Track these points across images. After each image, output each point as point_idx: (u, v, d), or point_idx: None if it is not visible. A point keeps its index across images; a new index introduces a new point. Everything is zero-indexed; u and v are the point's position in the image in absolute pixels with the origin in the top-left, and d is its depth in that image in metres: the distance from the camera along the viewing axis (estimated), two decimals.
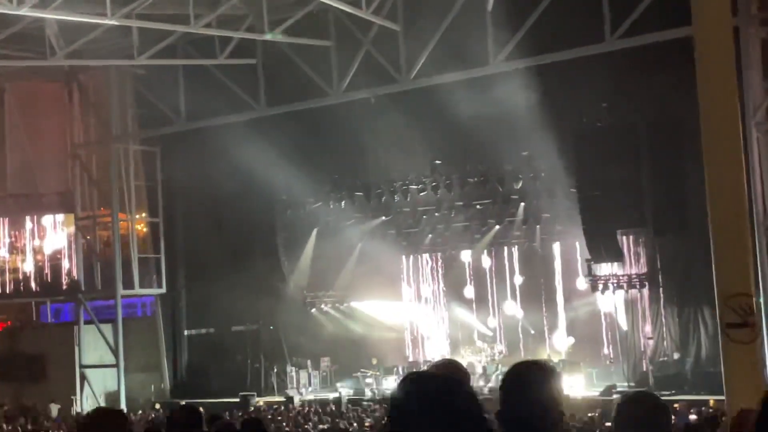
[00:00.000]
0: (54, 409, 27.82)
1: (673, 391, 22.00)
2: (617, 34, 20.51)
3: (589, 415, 19.84)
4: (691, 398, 20.67)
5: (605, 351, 26.24)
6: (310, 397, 27.24)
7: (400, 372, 27.37)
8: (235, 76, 26.04)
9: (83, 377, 29.47)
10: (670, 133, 22.34)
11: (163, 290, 30.29)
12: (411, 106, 23.84)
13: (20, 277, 29.83)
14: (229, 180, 27.35)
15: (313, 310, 29.28)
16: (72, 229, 29.53)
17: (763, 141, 19.60)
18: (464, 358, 27.36)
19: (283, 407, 25.51)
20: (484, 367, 26.41)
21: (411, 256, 30.15)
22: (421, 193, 26.61)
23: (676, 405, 18.56)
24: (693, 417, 17.30)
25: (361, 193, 27.10)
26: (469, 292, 29.40)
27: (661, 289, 23.79)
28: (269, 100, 25.76)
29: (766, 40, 20.00)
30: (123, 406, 28.35)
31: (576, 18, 21.05)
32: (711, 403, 18.45)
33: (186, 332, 30.89)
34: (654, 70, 21.73)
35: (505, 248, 28.59)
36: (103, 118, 29.64)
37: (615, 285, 24.04)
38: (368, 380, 27.46)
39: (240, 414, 24.18)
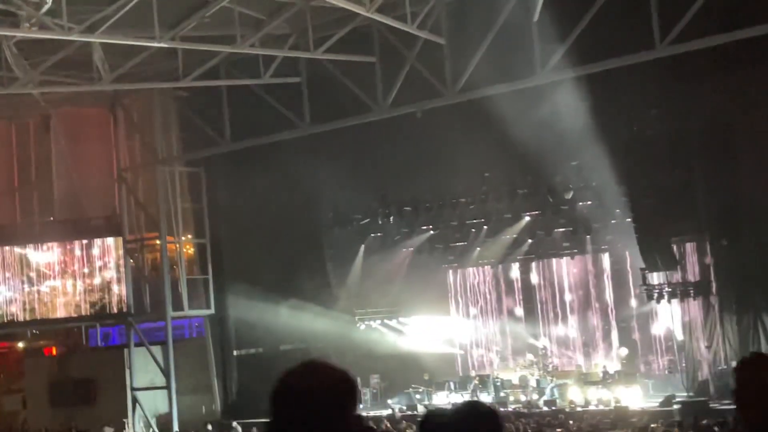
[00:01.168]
0: None
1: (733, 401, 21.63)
2: (667, 41, 20.28)
3: (652, 426, 19.56)
4: None
5: (662, 361, 25.93)
6: (363, 414, 27.08)
7: (452, 387, 27.25)
8: (279, 95, 26.06)
9: (135, 400, 29.50)
10: (721, 138, 22.11)
11: (212, 311, 30.32)
12: (458, 119, 23.72)
13: (70, 301, 29.96)
14: (275, 199, 27.42)
15: (362, 326, 29.19)
16: (120, 252, 29.63)
17: None
18: (516, 372, 27.21)
19: None
20: (538, 380, 26.17)
21: (460, 270, 30.03)
22: (471, 206, 26.46)
23: None
24: None
25: (409, 208, 27.02)
26: (518, 304, 29.22)
27: (717, 297, 23.45)
28: (314, 118, 25.74)
29: None
30: (176, 428, 28.44)
31: (624, 25, 20.83)
32: None
33: (235, 353, 30.88)
34: (704, 76, 21.50)
35: (555, 260, 28.39)
36: (147, 141, 29.80)
37: (670, 294, 23.74)
38: (418, 396, 27.32)
39: None
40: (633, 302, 26.91)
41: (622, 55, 20.99)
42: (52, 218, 30.42)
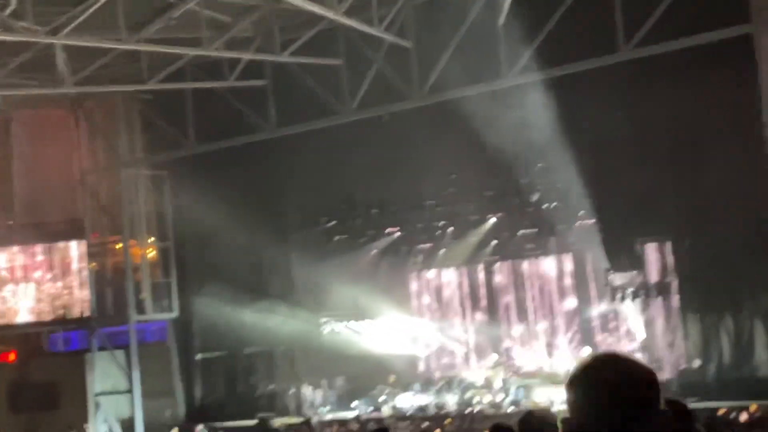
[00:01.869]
0: None
1: (697, 399, 21.99)
2: (632, 44, 20.60)
3: None
4: (714, 405, 20.65)
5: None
6: (329, 416, 27.14)
7: (417, 388, 27.35)
8: (245, 98, 26.03)
9: (97, 405, 29.25)
10: (686, 140, 22.44)
11: (176, 314, 30.14)
12: (425, 121, 23.84)
13: (31, 306, 29.60)
14: (241, 202, 27.33)
15: (327, 329, 29.19)
16: (83, 256, 29.34)
17: None
18: (481, 373, 27.38)
19: (303, 427, 25.44)
20: (503, 381, 26.33)
21: (425, 272, 30.14)
22: (438, 208, 26.61)
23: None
24: None
25: (376, 210, 27.11)
26: (483, 306, 29.40)
27: (681, 297, 23.82)
28: (280, 121, 25.73)
29: None
30: None
31: (589, 28, 21.13)
32: (753, 408, 18.40)
33: (199, 356, 30.76)
34: (669, 79, 21.82)
35: (519, 261, 28.62)
36: (110, 144, 29.60)
37: (633, 294, 24.07)
38: (381, 398, 27.38)
39: None
40: (596, 303, 27.17)
41: (588, 58, 21.27)
42: (12, 222, 30.03)
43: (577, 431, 2.67)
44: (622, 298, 24.24)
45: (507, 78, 22.13)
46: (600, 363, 2.78)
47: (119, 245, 29.81)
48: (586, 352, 27.10)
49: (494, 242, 27.79)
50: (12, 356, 32.82)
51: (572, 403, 2.72)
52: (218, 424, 27.37)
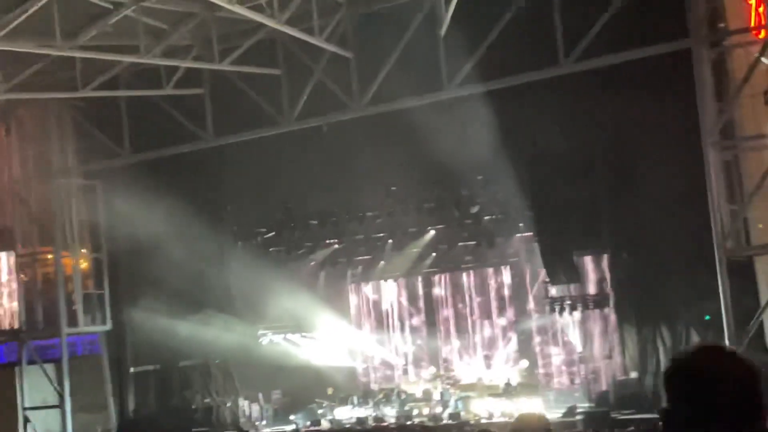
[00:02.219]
0: None
1: (634, 410, 22.17)
2: (571, 58, 20.76)
3: None
4: (650, 417, 20.81)
5: (562, 373, 26.39)
6: (266, 431, 26.80)
7: (355, 402, 27.16)
8: (182, 107, 25.64)
9: (26, 420, 28.48)
10: (623, 155, 22.62)
11: (108, 327, 29.49)
12: (365, 132, 23.70)
13: None
14: (177, 212, 26.84)
15: (265, 341, 28.84)
16: (12, 266, 28.62)
17: (719, 159, 19.92)
18: (420, 385, 27.30)
19: None
20: (441, 393, 26.27)
21: (363, 284, 30.00)
22: (377, 220, 26.48)
23: None
24: None
25: (315, 222, 26.86)
26: (421, 318, 29.36)
27: (617, 309, 24.01)
28: (217, 130, 25.41)
29: (716, 61, 20.42)
30: None
31: (530, 42, 21.26)
32: None
33: (132, 369, 30.16)
34: (606, 93, 21.98)
35: (458, 274, 28.64)
36: (42, 152, 28.88)
37: (570, 306, 24.21)
38: (320, 411, 27.14)
39: None
40: (533, 315, 27.30)
41: (528, 70, 21.38)
42: None
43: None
44: (560, 310, 24.36)
45: (448, 90, 22.15)
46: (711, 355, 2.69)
47: (50, 256, 29.09)
48: (524, 364, 27.26)
49: (433, 254, 27.77)
50: None
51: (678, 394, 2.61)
52: None
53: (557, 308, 24.39)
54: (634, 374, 23.42)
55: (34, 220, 29.11)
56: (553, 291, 24.65)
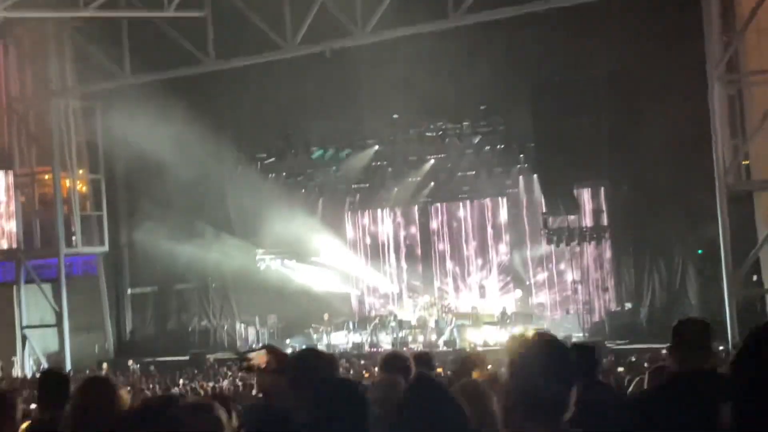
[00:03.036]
0: None
1: (628, 341, 22.50)
2: None
3: None
4: (645, 347, 21.13)
5: (556, 303, 26.72)
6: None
7: (350, 327, 27.47)
8: (183, 30, 25.40)
9: (24, 338, 28.75)
10: (625, 87, 22.65)
11: (106, 248, 29.63)
12: (368, 60, 23.59)
13: None
14: (175, 135, 26.78)
15: (262, 265, 29.01)
16: (10, 186, 28.61)
17: (723, 93, 19.94)
18: (415, 313, 27.57)
19: (235, 363, 25.32)
20: (436, 321, 26.58)
21: (360, 212, 30.14)
22: (378, 148, 26.44)
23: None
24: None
25: (315, 148, 26.82)
26: (417, 246, 29.57)
27: (615, 241, 24.24)
28: (218, 54, 25.19)
29: None
30: (68, 367, 27.84)
31: None
32: None
33: (129, 291, 30.41)
34: (614, 25, 21.90)
35: (455, 203, 28.77)
36: (40, 72, 28.69)
37: (568, 237, 24.39)
38: (315, 336, 27.43)
39: (195, 372, 24.09)
40: (529, 246, 27.50)
41: (534, 0, 21.20)
42: None
43: None
44: (558, 242, 24.55)
45: (453, 18, 21.94)
46: None
47: (48, 176, 29.11)
48: (518, 294, 27.57)
49: (432, 184, 27.82)
50: None
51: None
52: (149, 360, 27.12)
53: (554, 239, 24.56)
54: (628, 305, 23.72)
55: (33, 140, 29.05)
56: (551, 222, 24.79)
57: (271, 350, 4.77)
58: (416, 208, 29.30)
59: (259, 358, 4.71)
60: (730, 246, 19.65)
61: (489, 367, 6.75)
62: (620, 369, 16.09)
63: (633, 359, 18.01)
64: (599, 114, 22.94)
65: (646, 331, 22.62)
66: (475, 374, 6.10)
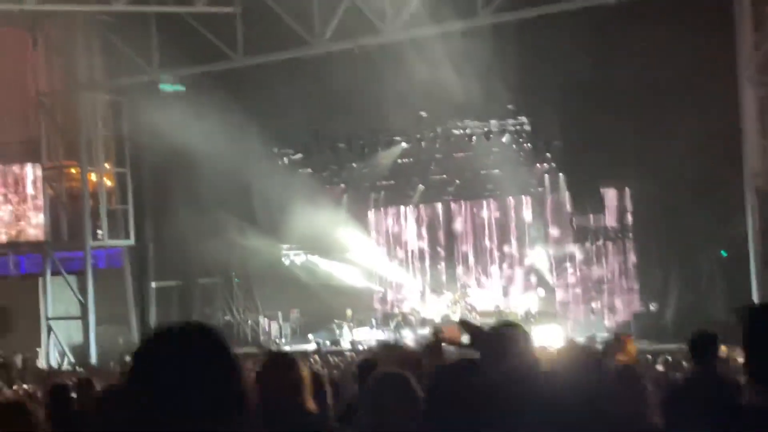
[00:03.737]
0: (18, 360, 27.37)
1: (653, 341, 22.49)
2: None
3: None
4: (672, 347, 21.12)
5: (580, 302, 26.73)
6: (287, 348, 27.21)
7: (373, 324, 27.58)
8: (212, 25, 25.51)
9: (50, 329, 28.97)
10: (652, 87, 22.63)
11: (131, 242, 29.83)
12: (396, 57, 23.62)
13: None
14: (203, 130, 26.93)
15: (287, 261, 29.16)
16: (38, 179, 28.85)
17: (753, 95, 19.91)
18: (438, 310, 27.66)
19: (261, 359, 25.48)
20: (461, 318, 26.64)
21: (385, 209, 30.23)
22: (404, 144, 26.46)
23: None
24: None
25: (343, 145, 26.88)
26: (440, 244, 29.64)
27: (640, 241, 24.24)
28: (247, 50, 25.31)
29: None
30: (93, 359, 28.07)
31: None
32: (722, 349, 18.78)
33: (153, 284, 30.59)
34: (641, 23, 21.88)
35: (482, 201, 28.83)
36: (68, 66, 28.90)
37: (594, 236, 24.42)
38: (338, 331, 27.54)
39: None
40: (553, 244, 27.53)
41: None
42: None
43: None
44: (582, 241, 24.57)
45: (482, 16, 22.00)
46: None
47: (74, 170, 29.33)
48: (541, 293, 27.62)
49: (457, 182, 27.88)
50: None
51: None
52: None
53: (580, 238, 24.59)
54: (653, 306, 23.73)
55: (60, 134, 29.26)
56: (577, 222, 24.83)
57: (465, 324, 4.86)
58: (440, 205, 29.37)
59: (451, 330, 4.78)
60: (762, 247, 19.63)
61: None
62: (659, 367, 16.06)
63: (669, 359, 17.96)
64: (627, 113, 22.93)
65: (671, 331, 22.61)
66: (621, 357, 6.16)
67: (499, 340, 4.28)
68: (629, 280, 25.03)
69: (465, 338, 4.68)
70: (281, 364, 4.54)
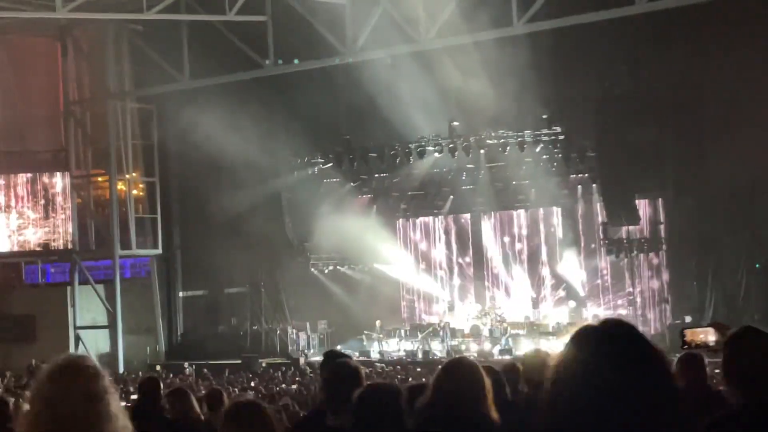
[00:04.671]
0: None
1: None
2: None
3: None
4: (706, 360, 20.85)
5: (611, 315, 26.45)
6: (316, 358, 27.03)
7: (402, 335, 27.37)
8: (243, 34, 25.45)
9: (78, 338, 28.92)
10: (690, 97, 22.44)
11: (159, 251, 29.78)
12: (428, 66, 23.51)
13: (12, 235, 29.08)
14: (231, 139, 26.88)
15: (315, 271, 29.03)
16: (67, 188, 28.85)
17: None
18: (468, 321, 27.44)
19: (289, 369, 25.26)
20: (491, 330, 26.40)
21: (414, 219, 30.07)
22: (436, 154, 26.22)
23: None
24: None
25: (374, 154, 26.71)
26: (469, 255, 29.45)
27: (674, 253, 24.00)
28: (278, 59, 25.21)
29: None
30: (121, 368, 27.97)
31: None
32: None
33: (181, 294, 30.52)
34: (675, 35, 21.72)
35: (511, 212, 28.62)
36: (98, 75, 28.93)
37: (629, 248, 24.19)
38: (365, 342, 27.35)
39: (249, 375, 24.08)
40: (584, 256, 27.29)
41: (601, 9, 21.01)
42: None
43: None
44: (617, 252, 24.33)
45: (518, 26, 21.80)
46: None
47: (103, 178, 29.34)
48: (572, 304, 27.36)
49: (488, 192, 27.65)
50: None
51: None
52: (202, 362, 27.16)
53: (613, 250, 24.35)
54: (689, 318, 23.45)
55: (89, 143, 29.28)
56: (611, 233, 24.60)
57: (718, 326, 4.77)
58: (470, 216, 29.18)
59: (705, 334, 4.72)
60: None
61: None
62: None
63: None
64: (664, 124, 22.75)
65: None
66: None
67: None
68: (662, 292, 24.76)
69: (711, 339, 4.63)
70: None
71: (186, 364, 26.45)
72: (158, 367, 27.25)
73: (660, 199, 24.76)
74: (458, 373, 4.22)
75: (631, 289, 25.73)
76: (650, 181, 23.39)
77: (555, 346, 24.56)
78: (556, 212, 27.97)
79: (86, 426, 2.67)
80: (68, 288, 29.42)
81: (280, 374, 24.11)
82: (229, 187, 27.98)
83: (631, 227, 24.51)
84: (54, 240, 29.10)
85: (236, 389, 20.75)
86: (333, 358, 6.11)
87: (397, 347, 27.02)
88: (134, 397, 13.51)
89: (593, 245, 26.57)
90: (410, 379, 20.27)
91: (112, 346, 28.94)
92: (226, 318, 29.85)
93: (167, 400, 7.48)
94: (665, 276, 24.74)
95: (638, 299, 25.26)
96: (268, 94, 26.25)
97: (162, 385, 7.97)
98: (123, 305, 29.10)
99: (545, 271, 28.26)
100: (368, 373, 22.38)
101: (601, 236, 24.73)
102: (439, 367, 4.38)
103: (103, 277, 29.99)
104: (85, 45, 29.37)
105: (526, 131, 24.50)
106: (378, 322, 27.82)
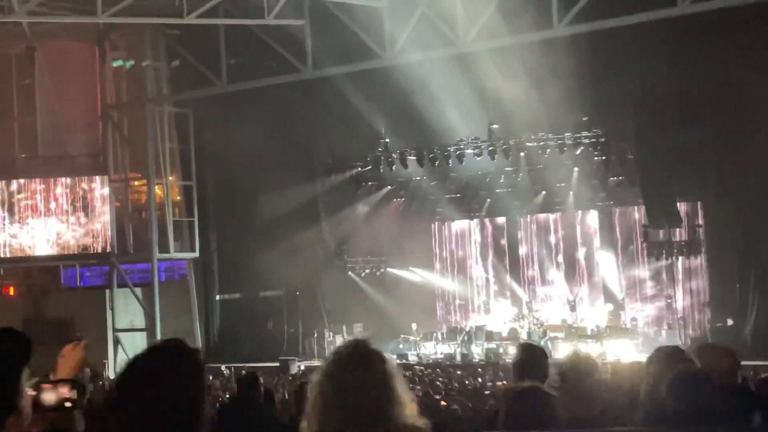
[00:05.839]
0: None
1: None
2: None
3: None
4: (751, 363, 20.68)
5: (650, 317, 26.35)
6: None
7: (439, 338, 27.33)
8: (281, 38, 25.50)
9: (117, 341, 29.09)
10: (731, 98, 22.28)
11: (197, 254, 29.93)
12: (469, 67, 23.47)
13: (51, 239, 29.31)
14: (267, 143, 27.00)
15: (352, 274, 29.07)
16: (105, 191, 29.07)
17: None
18: (505, 324, 27.37)
19: None
20: (528, 333, 26.31)
21: (450, 222, 30.04)
22: (474, 157, 26.18)
23: None
24: None
25: (413, 157, 26.71)
26: (505, 258, 29.38)
27: (716, 256, 23.84)
28: (316, 63, 25.24)
29: None
30: None
31: None
32: None
33: (218, 297, 30.63)
34: (716, 35, 21.53)
35: (549, 214, 28.54)
36: (135, 79, 29.11)
37: (669, 251, 24.05)
38: (401, 346, 27.30)
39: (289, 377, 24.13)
40: (621, 259, 27.17)
41: (642, 11, 20.90)
42: (34, 154, 29.66)
43: None
44: (658, 255, 24.21)
45: (558, 28, 21.72)
46: None
47: (141, 182, 29.53)
48: (609, 308, 27.23)
49: (526, 195, 27.59)
50: (12, 291, 32.58)
51: None
52: (239, 365, 27.23)
53: (654, 253, 24.23)
54: (730, 321, 23.30)
55: (127, 147, 29.45)
56: (652, 236, 24.48)
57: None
58: (506, 219, 29.12)
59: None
60: None
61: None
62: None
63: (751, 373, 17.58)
64: (703, 125, 22.60)
65: (750, 348, 22.16)
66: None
67: None
68: (702, 294, 24.59)
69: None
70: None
71: (223, 367, 26.53)
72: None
73: (699, 202, 24.58)
74: None
75: (670, 292, 25.55)
76: (691, 184, 23.23)
77: (594, 349, 24.50)
78: (594, 214, 27.86)
79: (379, 413, 2.68)
80: (106, 291, 29.59)
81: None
82: (266, 190, 28.10)
83: (670, 230, 24.36)
84: (93, 243, 29.29)
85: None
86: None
87: (434, 350, 26.97)
88: None
89: (631, 247, 26.44)
90: (453, 381, 20.21)
91: None
92: (263, 321, 29.90)
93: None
94: (705, 279, 24.57)
95: (678, 302, 25.07)
96: (305, 97, 26.31)
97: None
98: (160, 308, 29.24)
99: (583, 274, 28.14)
100: (408, 376, 22.44)
101: (641, 239, 24.57)
102: None
103: (137, 280, 30.17)
104: (123, 49, 29.56)
105: (566, 134, 24.41)
106: (414, 325, 27.79)
